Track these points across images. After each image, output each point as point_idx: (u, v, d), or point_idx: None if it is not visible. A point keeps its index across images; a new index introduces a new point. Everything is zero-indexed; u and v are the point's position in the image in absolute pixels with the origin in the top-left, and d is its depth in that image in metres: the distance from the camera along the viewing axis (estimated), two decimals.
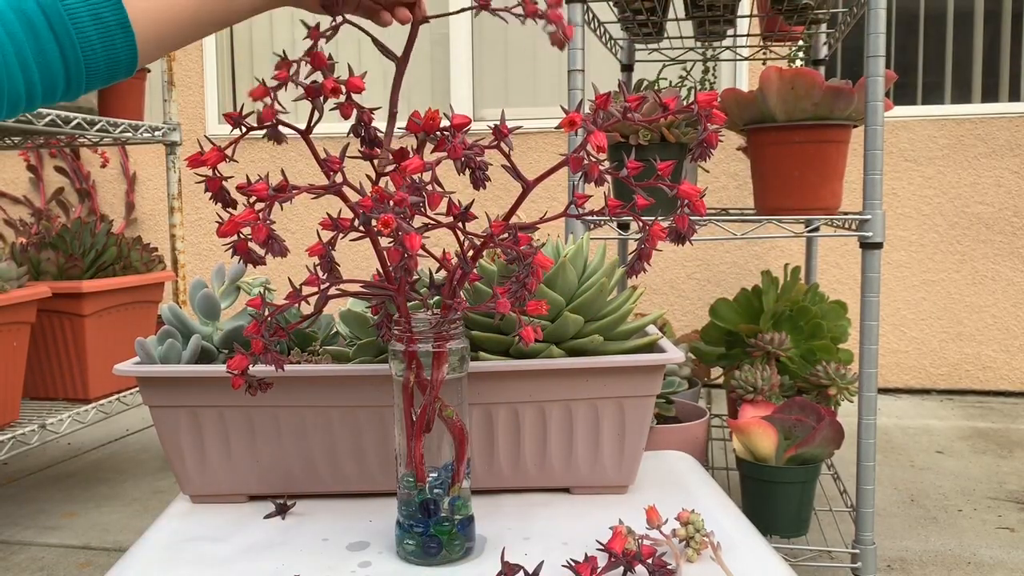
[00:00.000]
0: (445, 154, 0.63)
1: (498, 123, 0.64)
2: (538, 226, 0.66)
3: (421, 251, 0.60)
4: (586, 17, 1.43)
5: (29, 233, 3.21)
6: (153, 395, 0.81)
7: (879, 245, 1.30)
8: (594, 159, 0.61)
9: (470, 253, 0.66)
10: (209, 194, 0.65)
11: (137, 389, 1.46)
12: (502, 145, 0.63)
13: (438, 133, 0.63)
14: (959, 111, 2.87)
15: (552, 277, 0.80)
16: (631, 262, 0.68)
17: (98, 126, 1.92)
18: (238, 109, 0.63)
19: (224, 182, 0.65)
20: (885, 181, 2.87)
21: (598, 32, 1.69)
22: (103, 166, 3.39)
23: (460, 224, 0.65)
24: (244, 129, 0.63)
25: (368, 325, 0.83)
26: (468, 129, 0.63)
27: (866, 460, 1.34)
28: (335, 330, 0.91)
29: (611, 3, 1.62)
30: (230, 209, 0.65)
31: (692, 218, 0.65)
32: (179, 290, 2.26)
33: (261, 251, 0.65)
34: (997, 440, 2.38)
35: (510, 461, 0.83)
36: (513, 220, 0.64)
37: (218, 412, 0.81)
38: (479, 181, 0.64)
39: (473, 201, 0.65)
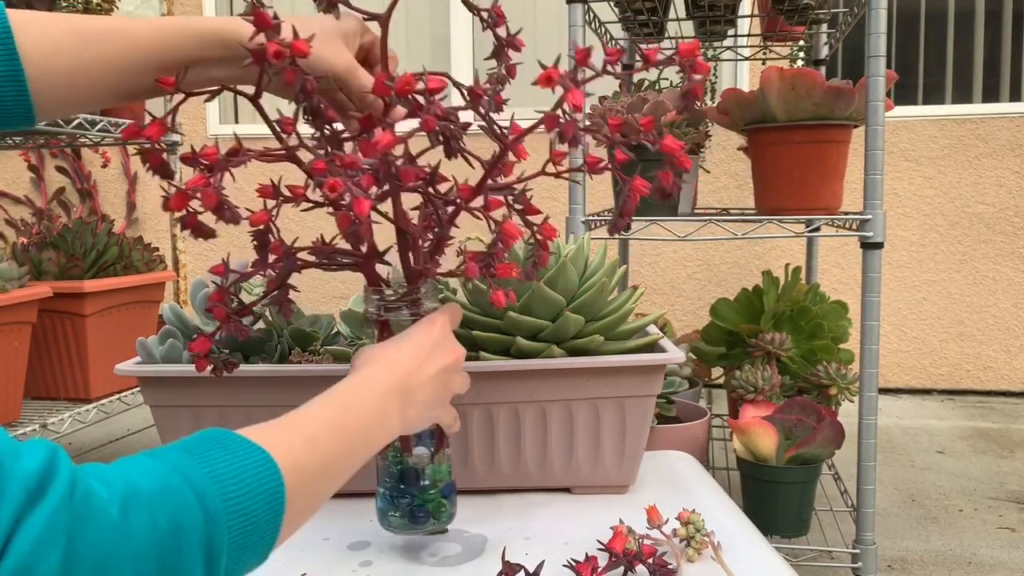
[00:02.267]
0: (417, 126, 0.60)
1: (471, 84, 0.61)
2: (513, 187, 0.64)
3: (376, 217, 0.58)
4: (587, 17, 1.43)
5: (30, 233, 3.21)
6: (154, 395, 0.81)
7: (880, 245, 1.30)
8: (569, 117, 0.59)
9: (446, 218, 0.65)
10: (148, 166, 0.63)
11: (138, 389, 1.46)
12: (479, 107, 0.61)
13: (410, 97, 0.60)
14: (960, 111, 2.87)
15: (553, 277, 0.80)
16: (613, 220, 0.66)
17: (99, 126, 1.92)
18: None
19: (166, 156, 0.63)
20: (886, 181, 2.86)
21: (599, 32, 1.69)
22: (104, 166, 3.39)
23: (431, 189, 0.63)
24: (183, 96, 0.62)
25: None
26: (446, 94, 0.61)
27: (867, 460, 1.34)
28: (336, 330, 0.92)
29: (612, 3, 1.62)
30: (167, 180, 0.64)
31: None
32: (180, 290, 2.26)
33: (206, 228, 0.64)
34: (998, 440, 2.38)
35: (511, 461, 0.83)
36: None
37: (219, 412, 0.81)
38: (452, 151, 0.61)
39: (440, 162, 0.62)
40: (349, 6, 0.64)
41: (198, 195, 0.59)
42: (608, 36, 1.77)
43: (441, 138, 0.60)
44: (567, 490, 0.85)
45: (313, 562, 0.70)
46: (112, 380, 1.95)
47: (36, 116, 0.60)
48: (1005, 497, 1.94)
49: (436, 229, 0.66)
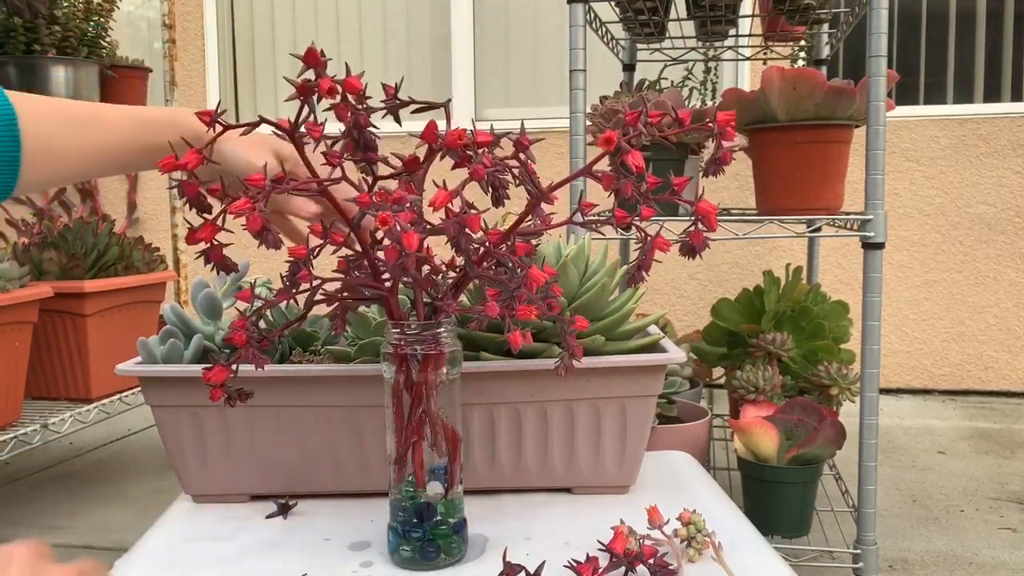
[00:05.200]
0: (468, 177, 0.61)
1: (516, 132, 0.63)
2: (540, 235, 0.65)
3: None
4: (588, 17, 1.42)
5: (31, 233, 3.21)
6: (155, 395, 0.81)
7: (881, 245, 1.30)
8: (629, 177, 0.61)
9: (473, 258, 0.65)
10: (183, 200, 0.64)
11: (139, 389, 1.46)
12: (522, 156, 0.63)
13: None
14: (961, 111, 2.86)
15: None
16: (631, 272, 0.67)
17: None
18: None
19: (201, 187, 0.63)
20: (887, 181, 2.86)
21: (600, 32, 1.69)
22: None
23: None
24: (220, 128, 0.62)
25: (371, 327, 0.83)
26: (493, 147, 0.63)
27: (868, 460, 1.34)
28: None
29: (613, 3, 1.62)
30: (204, 215, 0.64)
31: (705, 234, 0.65)
32: (181, 290, 2.26)
33: (233, 258, 0.65)
34: (999, 440, 2.38)
35: (511, 461, 0.83)
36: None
37: (220, 412, 0.81)
38: (500, 200, 0.63)
39: (473, 204, 0.64)
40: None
41: (229, 218, 0.61)
42: (609, 36, 1.77)
43: (490, 187, 0.62)
44: (568, 490, 0.85)
45: (314, 562, 0.70)
46: (113, 380, 1.96)
47: (14, 193, 0.67)
48: (1007, 497, 1.94)
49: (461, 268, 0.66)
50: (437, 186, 0.61)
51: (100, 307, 1.88)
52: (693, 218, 0.65)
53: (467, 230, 0.60)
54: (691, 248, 0.66)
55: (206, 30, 3.31)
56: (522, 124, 0.65)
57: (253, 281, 0.91)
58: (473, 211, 0.61)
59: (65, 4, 1.89)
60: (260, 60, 3.36)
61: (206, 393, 0.70)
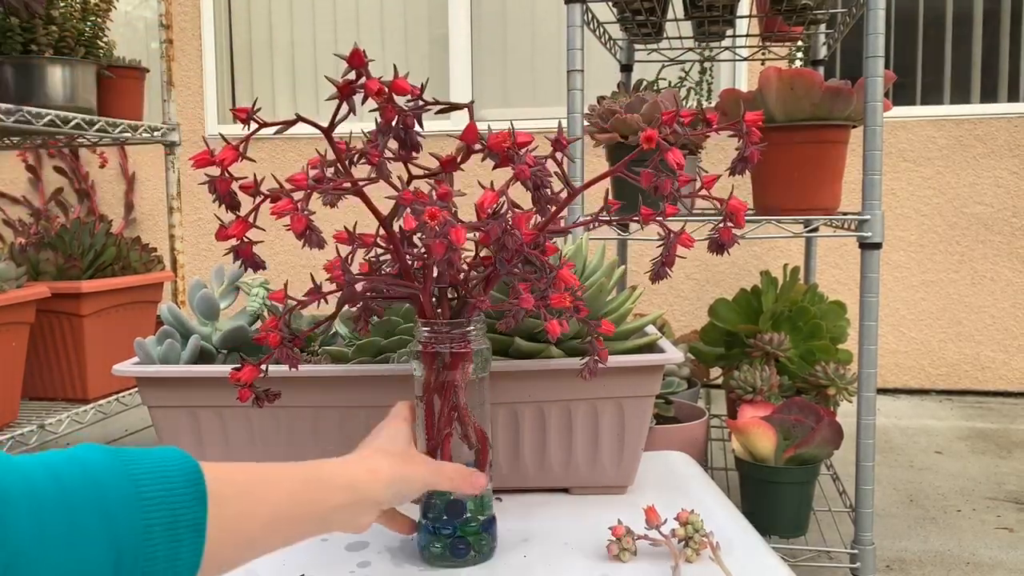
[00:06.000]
0: (513, 177, 0.62)
1: (554, 133, 0.64)
2: (565, 233, 0.66)
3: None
4: (585, 17, 1.43)
5: (28, 233, 3.21)
6: (152, 395, 0.81)
7: (878, 245, 1.30)
8: (668, 175, 0.63)
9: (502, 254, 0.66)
10: (213, 196, 0.62)
11: (136, 389, 1.45)
12: (557, 155, 0.64)
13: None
14: (958, 111, 2.87)
15: None
16: (656, 268, 0.69)
17: (97, 126, 1.92)
18: (250, 106, 0.62)
19: (233, 183, 0.63)
20: (884, 181, 2.86)
21: (597, 32, 1.69)
22: (102, 166, 3.39)
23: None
24: (255, 126, 0.61)
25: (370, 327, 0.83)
26: (535, 146, 0.63)
27: (865, 460, 1.34)
28: (334, 331, 0.91)
29: (610, 3, 1.62)
30: (233, 212, 0.64)
31: (735, 231, 0.67)
32: (178, 290, 2.26)
33: (258, 260, 0.65)
34: (996, 440, 2.38)
35: (510, 461, 0.83)
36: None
37: (217, 412, 0.81)
38: (542, 198, 0.64)
39: (504, 201, 0.64)
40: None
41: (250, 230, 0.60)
42: (606, 36, 1.77)
43: (533, 187, 0.63)
44: (566, 490, 0.85)
45: (311, 562, 0.70)
46: (110, 380, 1.95)
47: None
48: (1003, 497, 1.94)
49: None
50: (483, 187, 0.62)
51: (97, 307, 1.88)
52: (721, 216, 0.67)
53: (513, 230, 0.61)
54: (720, 245, 0.67)
55: (203, 30, 3.31)
56: (511, 125, 0.65)
57: (263, 287, 0.92)
58: (518, 210, 0.62)
59: (62, 4, 1.89)
60: (257, 60, 3.36)
61: (203, 394, 0.70)
